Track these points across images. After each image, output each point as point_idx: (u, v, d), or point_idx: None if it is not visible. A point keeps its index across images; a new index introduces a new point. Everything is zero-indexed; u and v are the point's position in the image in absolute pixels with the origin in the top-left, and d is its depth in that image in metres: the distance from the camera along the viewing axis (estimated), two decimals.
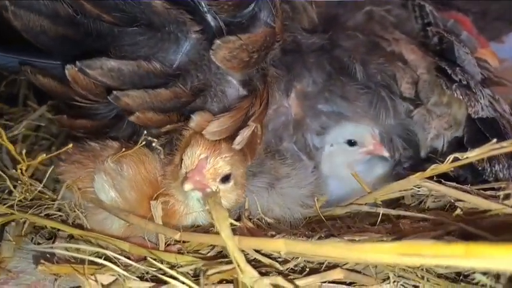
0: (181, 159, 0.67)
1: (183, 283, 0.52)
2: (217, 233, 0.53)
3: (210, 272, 0.57)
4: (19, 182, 0.75)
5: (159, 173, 0.71)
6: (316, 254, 0.52)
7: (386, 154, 0.82)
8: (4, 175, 0.69)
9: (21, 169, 0.70)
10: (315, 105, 0.84)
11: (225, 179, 0.68)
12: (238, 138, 0.72)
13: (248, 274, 0.49)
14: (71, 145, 0.70)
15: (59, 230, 0.70)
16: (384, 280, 0.61)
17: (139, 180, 0.68)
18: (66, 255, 0.63)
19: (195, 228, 0.72)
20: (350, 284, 0.62)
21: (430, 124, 0.86)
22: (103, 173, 0.67)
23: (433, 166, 0.70)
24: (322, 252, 0.49)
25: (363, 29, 0.90)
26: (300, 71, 0.82)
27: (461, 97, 0.83)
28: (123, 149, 0.68)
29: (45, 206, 0.74)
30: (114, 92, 0.64)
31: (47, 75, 0.69)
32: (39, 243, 0.69)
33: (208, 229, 0.72)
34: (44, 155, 0.68)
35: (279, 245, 0.51)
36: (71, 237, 0.70)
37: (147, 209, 0.67)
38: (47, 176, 0.73)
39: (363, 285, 0.61)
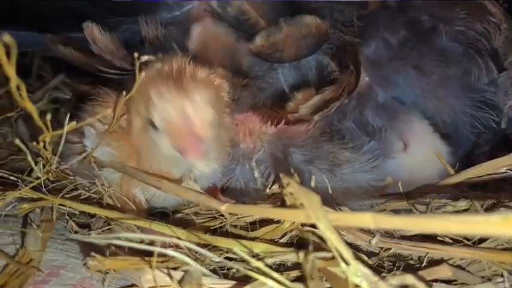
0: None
1: (278, 282, 0.39)
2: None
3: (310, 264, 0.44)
4: (39, 158, 0.59)
5: None
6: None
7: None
8: (25, 148, 0.54)
9: (43, 141, 0.53)
10: (385, 75, 0.71)
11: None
12: (312, 101, 0.64)
13: (358, 272, 0.37)
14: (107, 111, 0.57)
15: (94, 216, 0.57)
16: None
17: None
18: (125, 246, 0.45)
19: None
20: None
21: None
22: None
23: None
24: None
25: None
26: (369, 33, 0.70)
27: None
28: None
29: (72, 188, 0.60)
30: None
31: (69, 44, 0.60)
32: (77, 232, 0.56)
33: None
34: (75, 122, 0.53)
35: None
36: (107, 224, 0.56)
37: None
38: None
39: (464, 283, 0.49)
